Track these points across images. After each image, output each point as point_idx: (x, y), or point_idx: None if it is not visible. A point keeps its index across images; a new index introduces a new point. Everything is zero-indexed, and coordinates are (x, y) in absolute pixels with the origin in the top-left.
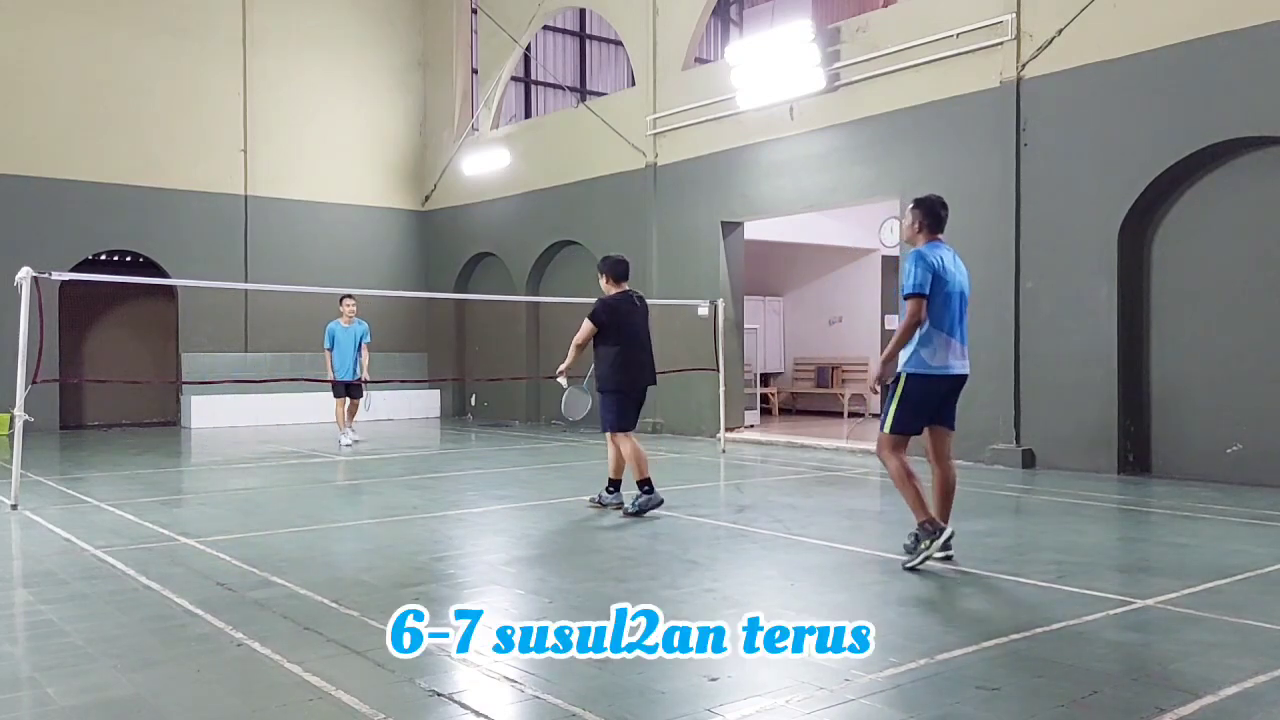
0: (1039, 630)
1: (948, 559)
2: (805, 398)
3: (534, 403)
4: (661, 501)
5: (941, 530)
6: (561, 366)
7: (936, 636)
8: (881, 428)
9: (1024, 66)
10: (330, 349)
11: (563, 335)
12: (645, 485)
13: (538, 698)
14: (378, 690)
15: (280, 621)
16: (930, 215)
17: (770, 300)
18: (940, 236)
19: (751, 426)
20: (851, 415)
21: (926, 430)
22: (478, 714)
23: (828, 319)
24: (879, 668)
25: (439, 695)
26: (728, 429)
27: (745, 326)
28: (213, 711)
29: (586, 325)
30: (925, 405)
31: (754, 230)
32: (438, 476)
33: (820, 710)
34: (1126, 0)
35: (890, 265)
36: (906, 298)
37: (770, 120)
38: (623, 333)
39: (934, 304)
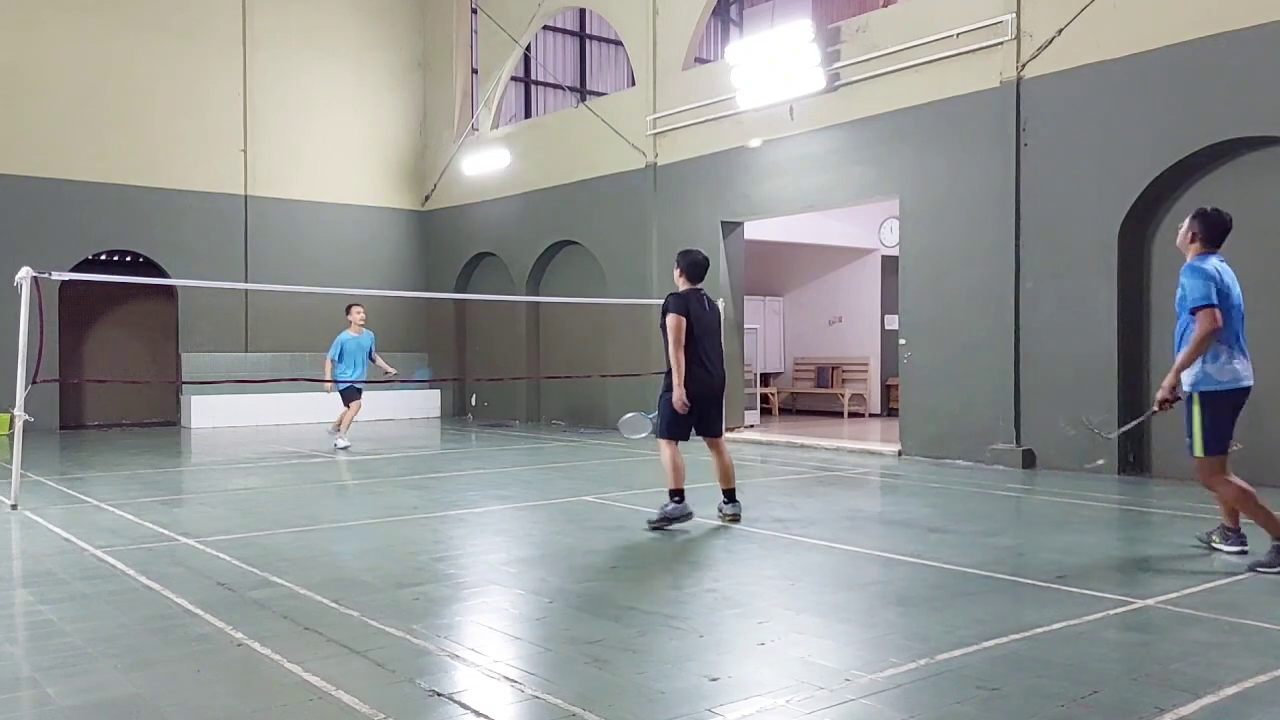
0: (1039, 630)
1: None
2: (805, 398)
3: (534, 403)
4: (690, 515)
5: None
6: (677, 381)
7: (936, 636)
8: (1194, 452)
9: (1024, 66)
10: (337, 359)
11: (563, 335)
12: (676, 495)
13: (538, 698)
14: (378, 690)
15: (280, 621)
16: (1207, 228)
17: (770, 300)
18: (1217, 250)
19: (751, 426)
20: (853, 416)
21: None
22: (478, 714)
23: (828, 319)
24: (879, 668)
25: (439, 695)
26: (728, 429)
27: (745, 326)
28: (213, 711)
29: (672, 321)
30: (1229, 420)
31: (754, 230)
32: (438, 476)
33: (820, 710)
34: (1126, 0)
35: (890, 265)
36: (1195, 310)
37: (770, 120)
38: (692, 332)
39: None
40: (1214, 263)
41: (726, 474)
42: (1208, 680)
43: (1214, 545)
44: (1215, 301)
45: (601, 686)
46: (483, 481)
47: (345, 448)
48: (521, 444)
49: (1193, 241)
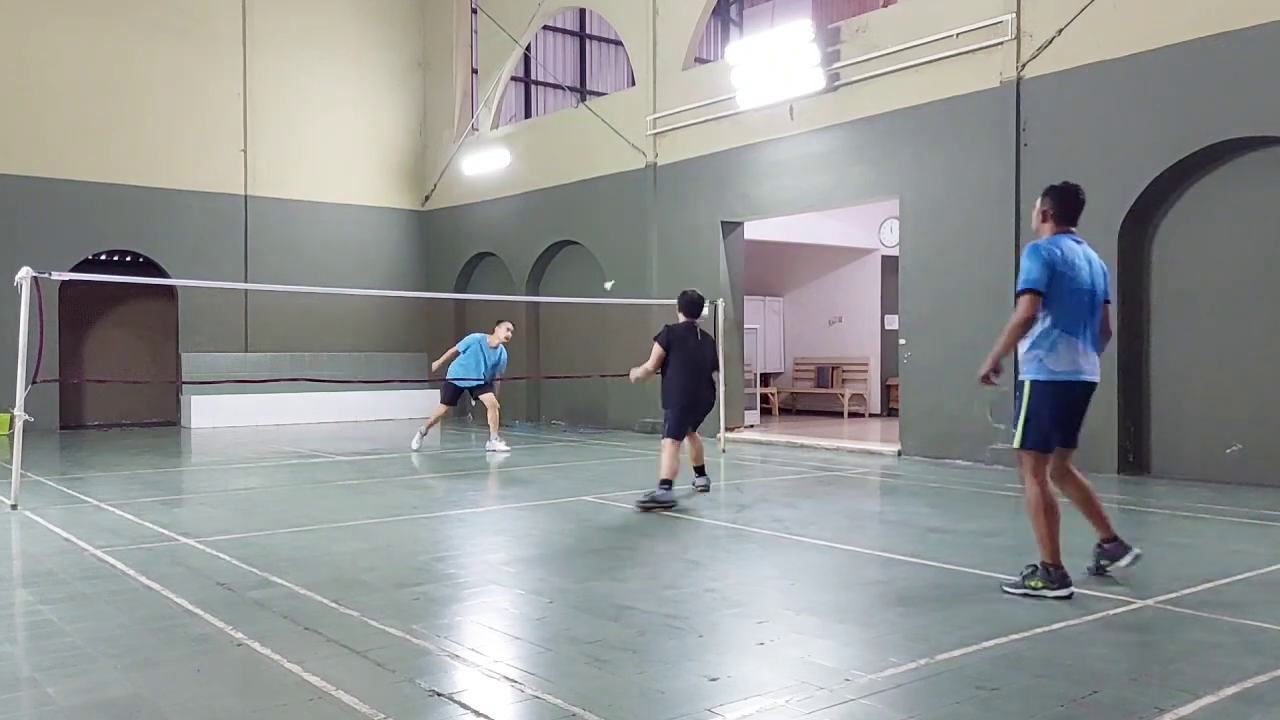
0: (1039, 630)
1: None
2: (805, 398)
3: (534, 403)
4: (673, 503)
5: (1066, 584)
6: (638, 372)
7: (936, 636)
8: (1014, 442)
9: (1024, 66)
10: (461, 351)
11: (563, 335)
12: (666, 484)
13: (538, 698)
14: (378, 690)
15: (280, 621)
16: (1059, 204)
17: (770, 300)
18: (1072, 229)
19: (751, 426)
20: (855, 415)
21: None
22: (478, 714)
23: (828, 319)
24: (879, 668)
25: (439, 695)
26: (728, 429)
27: (745, 326)
28: (213, 711)
29: (655, 349)
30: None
31: (754, 230)
32: (438, 476)
33: (820, 710)
34: (1126, 0)
35: (890, 265)
36: (1019, 294)
37: (770, 120)
38: (683, 357)
39: (1054, 299)
40: (1067, 244)
41: (699, 455)
42: (1208, 680)
43: (1103, 567)
44: (1041, 287)
45: (601, 686)
46: (482, 481)
47: (418, 449)
48: (521, 444)
49: (1045, 221)
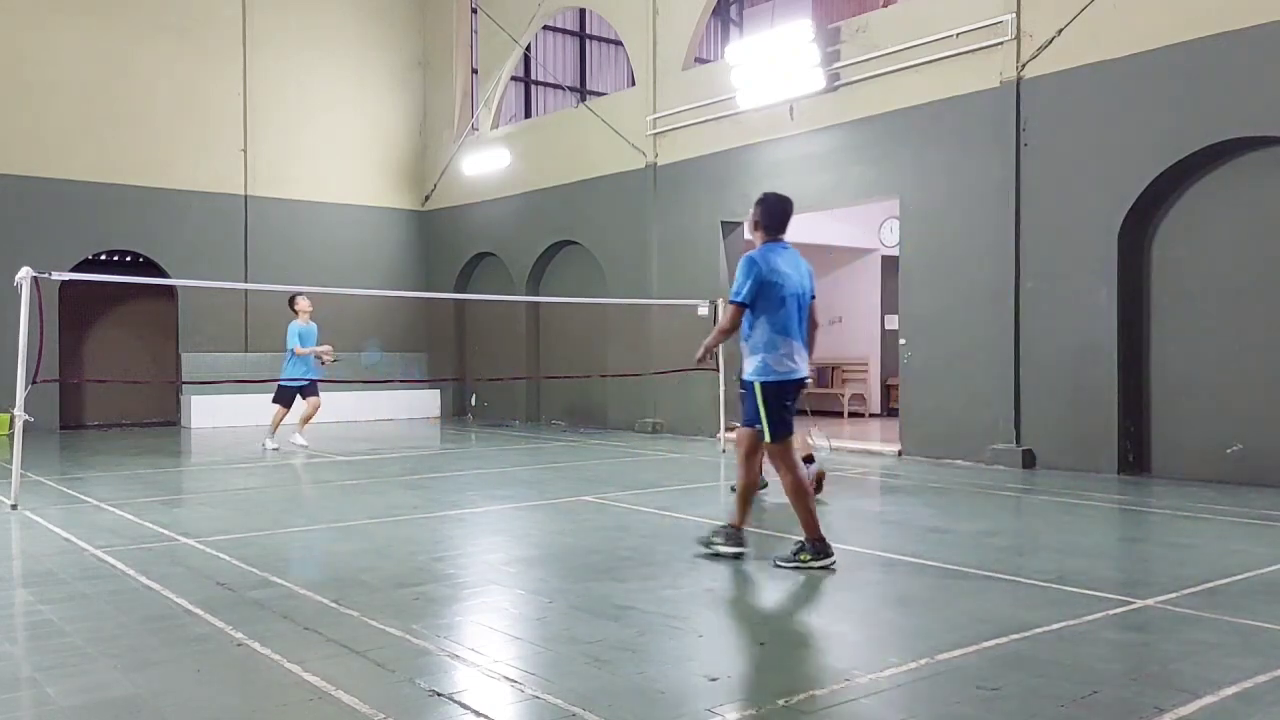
0: (1039, 630)
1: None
2: (805, 397)
3: (534, 403)
4: (765, 484)
5: (830, 553)
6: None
7: (936, 636)
8: (764, 439)
9: (1024, 66)
10: (293, 350)
11: (563, 335)
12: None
13: (538, 698)
14: (378, 690)
15: (280, 621)
16: (768, 215)
17: None
18: (781, 238)
19: None
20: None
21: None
22: (478, 714)
23: (828, 319)
24: (879, 668)
25: (439, 695)
26: (728, 429)
27: None
28: (213, 711)
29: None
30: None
31: None
32: (438, 476)
33: (820, 710)
34: (1126, 0)
35: (890, 265)
36: (730, 304)
37: (770, 120)
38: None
39: (769, 308)
40: (776, 253)
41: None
42: (1208, 680)
43: (714, 546)
44: (746, 300)
45: (601, 686)
46: (483, 481)
47: (276, 448)
48: (521, 444)
49: (757, 229)
